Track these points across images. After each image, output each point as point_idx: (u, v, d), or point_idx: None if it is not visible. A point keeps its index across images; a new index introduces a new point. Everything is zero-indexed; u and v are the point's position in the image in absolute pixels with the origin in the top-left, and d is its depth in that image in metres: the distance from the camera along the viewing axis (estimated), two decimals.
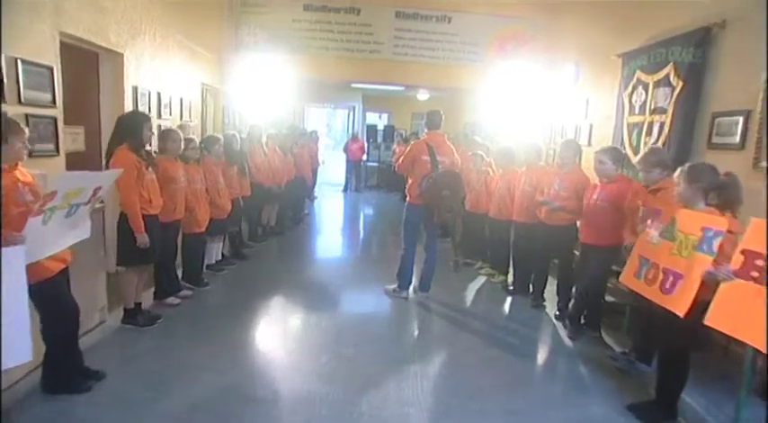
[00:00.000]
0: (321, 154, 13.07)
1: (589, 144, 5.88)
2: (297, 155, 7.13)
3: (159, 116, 5.22)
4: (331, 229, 8.50)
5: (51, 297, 2.33)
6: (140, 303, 3.53)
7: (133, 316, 3.43)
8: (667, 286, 2.36)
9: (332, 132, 25.33)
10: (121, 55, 4.32)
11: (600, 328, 3.80)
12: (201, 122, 6.88)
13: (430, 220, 4.51)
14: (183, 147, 3.87)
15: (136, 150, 3.18)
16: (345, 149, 12.52)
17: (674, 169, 2.74)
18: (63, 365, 2.49)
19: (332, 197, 11.68)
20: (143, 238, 3.21)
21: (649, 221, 2.79)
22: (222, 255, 5.18)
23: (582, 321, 3.83)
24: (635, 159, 4.65)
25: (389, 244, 6.63)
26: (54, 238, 2.32)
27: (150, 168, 3.31)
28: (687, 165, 2.54)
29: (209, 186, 4.54)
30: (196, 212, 4.11)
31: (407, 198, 4.49)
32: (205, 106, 7.22)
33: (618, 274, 3.71)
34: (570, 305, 4.01)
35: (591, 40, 6.08)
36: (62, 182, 2.23)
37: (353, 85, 11.67)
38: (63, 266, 2.46)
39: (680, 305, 2.21)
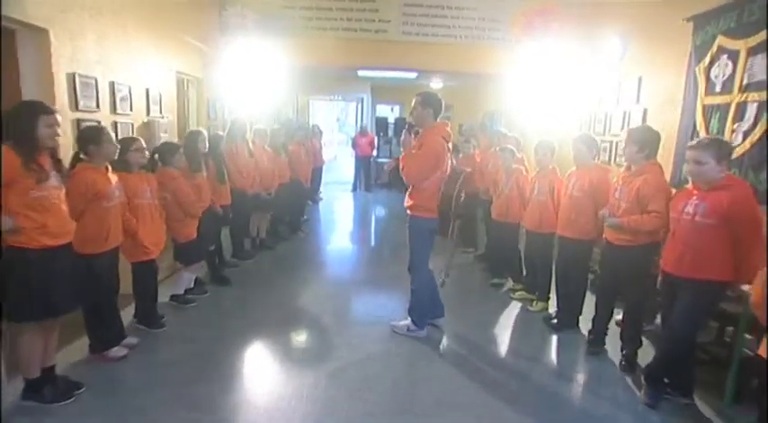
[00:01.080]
0: (330, 150, 12.03)
1: None
2: (291, 153, 6.13)
3: (114, 111, 4.26)
4: (334, 237, 7.43)
5: None
6: (53, 367, 2.57)
7: (37, 389, 2.46)
8: None
9: (345, 127, 24.30)
10: (46, 32, 3.35)
11: (693, 391, 2.73)
12: (182, 118, 5.94)
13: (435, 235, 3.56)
14: (117, 149, 2.90)
15: (24, 154, 2.20)
16: (353, 145, 11.50)
17: None
18: None
19: (339, 198, 10.69)
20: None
21: None
22: (196, 280, 4.23)
23: (665, 380, 2.76)
24: None
25: (401, 256, 5.59)
26: None
27: (52, 181, 2.32)
28: None
29: (181, 200, 3.62)
30: (140, 237, 3.12)
31: (413, 211, 3.40)
32: (186, 100, 6.28)
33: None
34: (643, 353, 2.94)
35: (643, 5, 4.93)
36: None
37: (360, 74, 10.65)
38: None
39: None
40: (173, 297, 3.91)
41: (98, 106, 4.02)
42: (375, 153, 12.21)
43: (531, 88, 6.82)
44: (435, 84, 12.09)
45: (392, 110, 15.15)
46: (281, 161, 5.87)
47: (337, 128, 23.10)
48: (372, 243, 7.22)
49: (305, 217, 7.44)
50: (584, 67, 6.14)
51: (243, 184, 4.96)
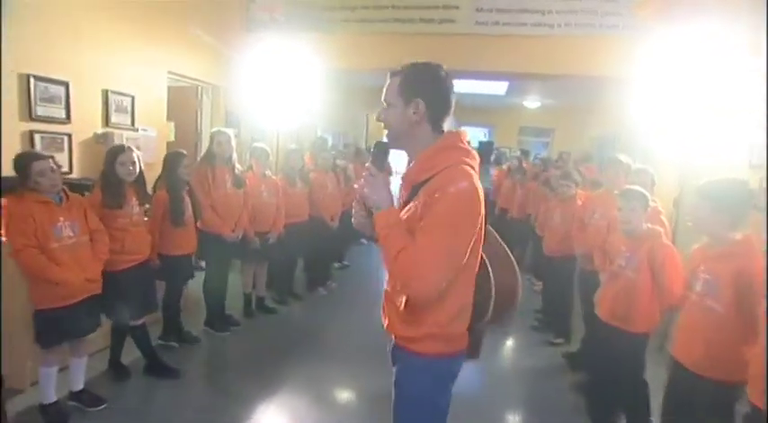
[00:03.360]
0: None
1: None
2: (313, 182, 4.57)
3: (29, 117, 3.02)
4: (372, 295, 5.36)
5: None
6: None
7: None
8: None
9: None
10: None
11: None
12: (190, 134, 4.78)
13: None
14: None
15: None
16: None
17: None
18: None
19: None
20: None
21: None
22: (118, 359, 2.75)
23: None
24: None
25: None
26: None
27: None
28: None
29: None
30: None
31: (415, 347, 1.43)
32: (199, 111, 5.09)
33: None
34: None
35: None
36: None
37: None
38: None
39: None
40: (43, 408, 2.44)
41: None
42: None
43: (667, 98, 4.60)
44: (531, 102, 10.06)
45: (485, 135, 13.17)
46: (297, 193, 4.33)
47: None
48: None
49: (342, 263, 5.82)
50: (760, 62, 3.86)
51: (216, 226, 3.47)
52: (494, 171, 8.40)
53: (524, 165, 6.39)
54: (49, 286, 2.24)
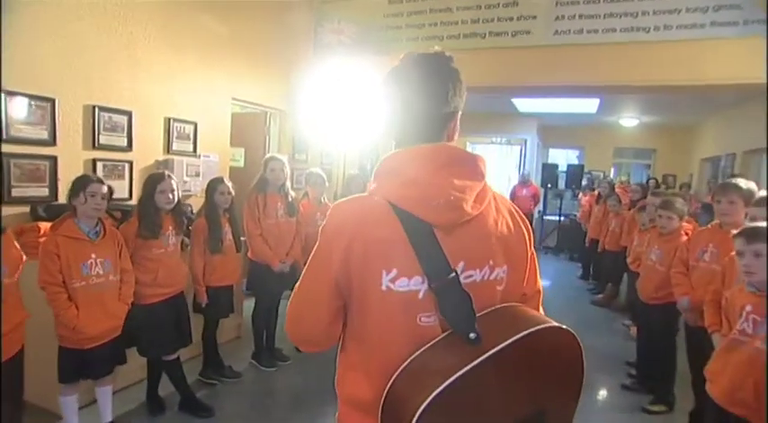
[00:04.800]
0: None
1: None
2: None
3: (93, 145, 3.10)
4: None
5: None
6: None
7: None
8: None
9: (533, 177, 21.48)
10: None
11: None
12: (257, 161, 4.74)
13: None
14: None
15: None
16: (512, 197, 9.12)
17: None
18: None
19: None
20: None
21: None
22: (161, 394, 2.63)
23: None
24: None
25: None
26: None
27: None
28: None
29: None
30: None
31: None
32: (267, 138, 5.09)
33: None
34: None
35: None
36: None
37: (522, 110, 8.44)
38: None
39: None
40: None
41: (53, 138, 2.86)
42: (540, 208, 9.67)
43: None
44: (628, 120, 9.10)
45: (578, 156, 12.13)
46: None
47: (518, 179, 20.54)
48: None
49: None
50: None
51: (266, 256, 3.30)
52: (584, 197, 7.61)
53: (617, 190, 5.62)
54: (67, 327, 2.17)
